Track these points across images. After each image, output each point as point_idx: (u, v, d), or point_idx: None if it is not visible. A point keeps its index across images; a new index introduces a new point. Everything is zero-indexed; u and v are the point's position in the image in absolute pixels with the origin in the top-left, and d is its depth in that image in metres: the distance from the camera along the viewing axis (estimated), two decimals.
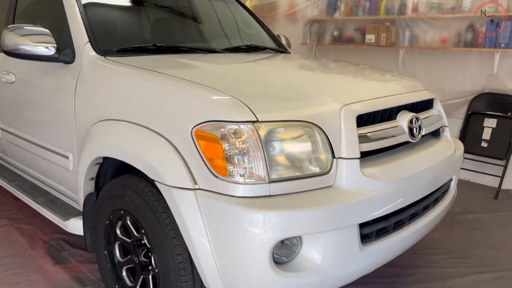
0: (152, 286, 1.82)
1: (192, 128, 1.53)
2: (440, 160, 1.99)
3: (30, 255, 2.57)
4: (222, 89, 1.61)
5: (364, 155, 1.64)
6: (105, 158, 1.94)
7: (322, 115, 1.59)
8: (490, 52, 3.90)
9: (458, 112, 4.19)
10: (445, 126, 2.26)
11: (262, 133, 1.48)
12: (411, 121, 1.87)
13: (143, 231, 1.76)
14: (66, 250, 2.62)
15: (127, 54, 2.13)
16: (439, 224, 2.94)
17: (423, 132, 1.95)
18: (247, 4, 5.30)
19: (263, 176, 1.46)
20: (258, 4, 5.61)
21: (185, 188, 1.51)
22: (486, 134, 3.99)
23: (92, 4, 2.33)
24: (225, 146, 1.47)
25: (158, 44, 2.29)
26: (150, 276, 1.83)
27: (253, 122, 1.48)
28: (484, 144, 3.99)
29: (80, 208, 2.33)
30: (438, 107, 2.26)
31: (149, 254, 1.81)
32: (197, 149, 1.51)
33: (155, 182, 1.60)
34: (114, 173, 2.05)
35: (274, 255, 1.46)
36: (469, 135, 4.08)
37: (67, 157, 2.16)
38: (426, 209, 1.97)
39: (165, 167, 1.56)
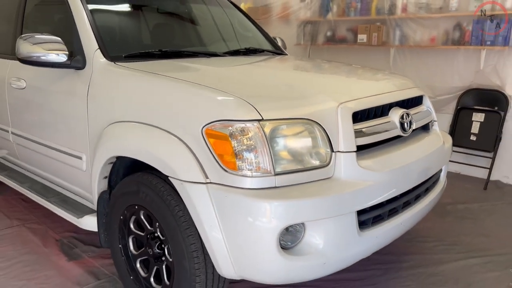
0: (165, 275, 1.96)
1: (203, 127, 1.66)
2: (430, 152, 2.15)
3: (44, 252, 2.69)
4: (228, 90, 1.75)
5: (360, 148, 1.79)
6: (117, 158, 2.08)
7: (321, 113, 1.74)
8: (477, 50, 4.07)
9: (447, 108, 4.36)
10: (434, 121, 2.42)
11: (267, 130, 1.62)
12: (402, 117, 2.03)
13: (157, 224, 1.89)
14: (78, 247, 2.75)
15: (135, 60, 2.26)
16: (431, 214, 3.12)
17: (414, 127, 2.11)
18: (242, 6, 5.44)
19: (269, 170, 1.61)
20: (253, 7, 5.74)
21: (198, 182, 1.64)
22: (475, 128, 4.16)
23: (99, 12, 2.46)
24: (234, 143, 1.61)
25: (163, 50, 2.42)
26: (164, 266, 1.96)
27: (258, 120, 1.62)
28: (473, 138, 4.17)
29: (92, 206, 2.47)
30: (427, 103, 2.41)
31: (162, 245, 1.95)
32: (208, 146, 1.65)
33: (169, 178, 1.73)
34: (125, 172, 2.19)
35: (281, 241, 1.60)
36: (458, 129, 4.26)
37: (80, 158, 2.28)
38: (418, 198, 2.12)
39: (178, 163, 1.70)
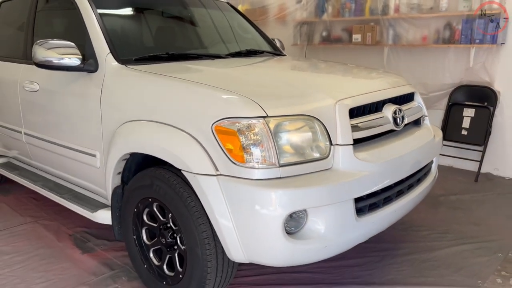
0: (178, 262, 2.11)
1: (212, 124, 1.82)
2: (421, 145, 2.31)
3: (59, 246, 2.83)
4: (235, 90, 1.90)
5: (357, 142, 1.95)
6: (131, 155, 2.22)
7: (320, 110, 1.89)
8: (466, 48, 4.24)
9: (439, 104, 4.52)
10: (425, 116, 2.58)
11: (272, 126, 1.78)
12: (395, 112, 2.19)
13: (170, 215, 2.05)
14: (90, 241, 2.89)
15: (144, 62, 2.40)
16: (425, 205, 3.29)
17: (406, 121, 2.28)
18: (239, 8, 5.58)
19: (274, 162, 1.76)
20: (250, 8, 5.89)
21: (209, 174, 1.80)
22: (466, 123, 4.33)
23: (108, 17, 2.59)
24: (241, 138, 1.77)
25: (170, 53, 2.57)
26: (176, 254, 2.12)
27: (263, 117, 1.77)
28: (464, 132, 4.34)
29: (103, 200, 2.62)
30: (418, 99, 2.58)
31: (174, 235, 2.10)
32: (217, 141, 1.81)
33: (182, 171, 1.88)
34: (136, 168, 2.33)
35: (286, 226, 1.76)
36: (450, 124, 4.43)
37: (94, 156, 2.43)
38: (410, 187, 2.28)
39: (190, 158, 1.85)
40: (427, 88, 4.50)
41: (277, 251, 1.76)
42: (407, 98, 2.47)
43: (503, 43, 4.03)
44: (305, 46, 5.52)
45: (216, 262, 1.93)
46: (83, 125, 2.47)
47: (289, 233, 1.78)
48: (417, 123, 2.52)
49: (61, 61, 2.32)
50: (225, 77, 2.30)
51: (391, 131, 2.19)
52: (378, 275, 2.47)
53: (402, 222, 3.07)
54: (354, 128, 1.96)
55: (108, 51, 2.38)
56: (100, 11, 2.55)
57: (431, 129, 2.54)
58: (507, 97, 4.13)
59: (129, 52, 2.48)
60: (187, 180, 1.89)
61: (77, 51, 2.34)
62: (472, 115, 4.31)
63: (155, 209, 2.15)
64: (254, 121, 1.77)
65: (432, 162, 2.52)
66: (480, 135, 4.22)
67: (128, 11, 2.87)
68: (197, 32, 3.08)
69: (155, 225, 2.19)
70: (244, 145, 1.76)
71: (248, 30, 3.40)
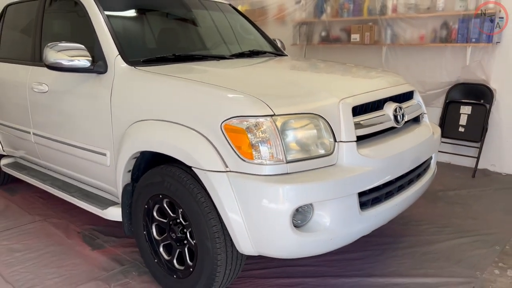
0: (188, 256, 2.18)
1: (221, 123, 1.90)
2: (421, 141, 2.40)
3: (68, 243, 2.91)
4: (242, 90, 1.98)
5: (359, 138, 2.04)
6: (141, 153, 2.30)
7: (324, 108, 1.98)
8: (463, 47, 4.34)
9: (437, 102, 4.61)
10: (424, 113, 2.67)
11: (279, 124, 1.86)
12: (395, 110, 2.27)
13: (180, 210, 2.12)
14: (99, 238, 2.97)
15: (152, 64, 2.48)
16: (424, 200, 3.38)
17: (406, 119, 2.36)
18: (239, 9, 5.66)
19: (281, 158, 1.84)
20: (249, 9, 5.97)
21: (219, 171, 1.88)
22: (463, 120, 4.43)
23: (116, 19, 2.67)
24: (250, 136, 1.84)
25: (176, 54, 2.64)
26: (186, 248, 2.19)
27: (271, 115, 1.85)
28: (461, 129, 4.44)
29: (112, 198, 2.70)
30: (417, 98, 2.67)
31: (184, 230, 2.18)
32: (227, 139, 1.89)
33: (193, 168, 1.96)
34: (145, 166, 2.41)
35: (293, 220, 1.84)
36: (448, 122, 4.52)
37: (104, 154, 2.50)
38: (411, 182, 2.37)
39: (201, 155, 1.93)
40: (425, 86, 4.59)
41: (284, 244, 1.85)
42: (407, 96, 2.55)
43: (499, 42, 4.13)
44: (304, 46, 5.60)
45: (225, 255, 2.01)
46: (93, 125, 2.54)
47: (296, 226, 1.86)
48: (416, 120, 2.61)
49: (72, 63, 2.39)
50: (232, 77, 2.38)
51: (392, 128, 2.28)
52: (380, 268, 2.56)
53: (402, 216, 3.16)
54: (357, 125, 2.04)
55: (117, 53, 2.46)
56: (107, 13, 2.62)
57: (430, 126, 2.63)
58: (503, 94, 4.23)
59: (137, 54, 2.56)
60: (197, 177, 1.97)
61: (87, 53, 2.41)
62: (469, 113, 4.41)
63: (165, 205, 2.22)
64: (262, 119, 1.85)
65: (431, 158, 2.61)
66: (477, 132, 4.32)
67: (134, 13, 2.95)
68: (202, 34, 3.16)
69: (165, 220, 2.27)
70: (253, 142, 1.84)
71: (250, 31, 3.48)
